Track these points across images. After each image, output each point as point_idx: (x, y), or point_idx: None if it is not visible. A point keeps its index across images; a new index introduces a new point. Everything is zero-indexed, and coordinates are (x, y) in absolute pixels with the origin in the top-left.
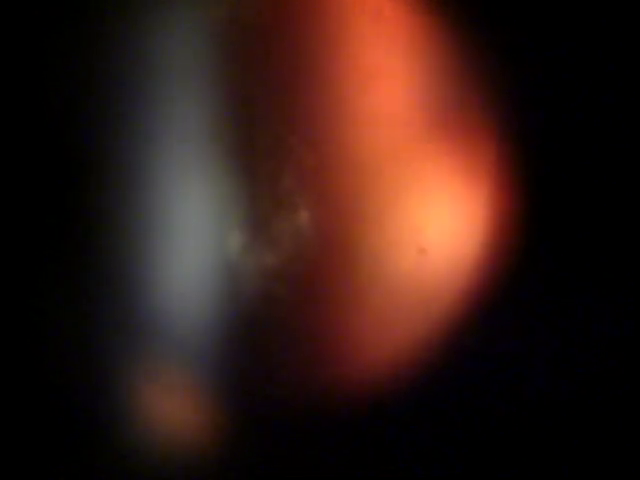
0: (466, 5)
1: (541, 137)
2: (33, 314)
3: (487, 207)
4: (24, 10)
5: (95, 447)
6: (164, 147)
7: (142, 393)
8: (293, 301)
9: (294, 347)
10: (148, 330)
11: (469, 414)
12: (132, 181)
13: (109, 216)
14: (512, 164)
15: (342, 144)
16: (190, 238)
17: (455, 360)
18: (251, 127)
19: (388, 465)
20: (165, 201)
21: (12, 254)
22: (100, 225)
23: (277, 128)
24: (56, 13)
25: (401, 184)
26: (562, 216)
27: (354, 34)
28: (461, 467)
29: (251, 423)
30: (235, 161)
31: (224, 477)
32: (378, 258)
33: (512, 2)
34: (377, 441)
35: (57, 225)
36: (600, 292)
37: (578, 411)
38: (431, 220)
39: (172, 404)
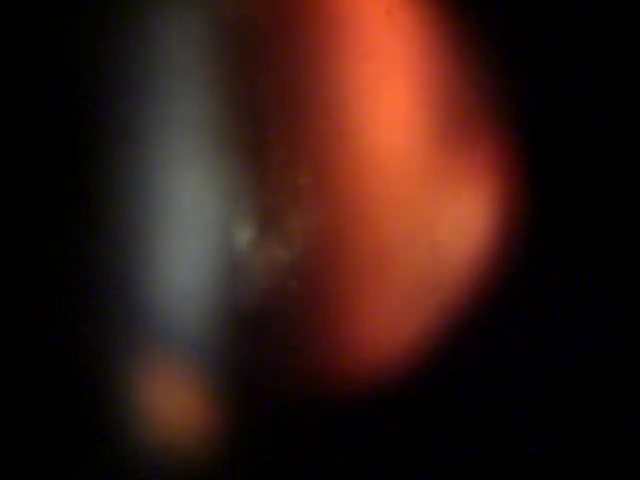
0: (472, 7)
1: (551, 134)
2: (33, 314)
3: (497, 203)
4: (24, 10)
5: (96, 447)
6: (175, 142)
7: (149, 392)
8: (304, 296)
9: (305, 342)
10: (156, 326)
11: (474, 410)
12: (142, 177)
13: (116, 211)
14: (522, 160)
15: (356, 139)
16: (199, 233)
17: (463, 356)
18: (263, 122)
19: (392, 463)
20: (174, 196)
21: (12, 254)
22: (107, 220)
23: (289, 123)
24: (57, 12)
25: (414, 180)
26: (572, 214)
27: (363, 29)
28: (463, 463)
29: (261, 420)
30: (246, 156)
31: (229, 476)
32: (390, 253)
33: (519, 4)
34: (383, 438)
35: (58, 224)
36: (605, 289)
37: (578, 411)
38: (444, 216)
39: (180, 402)
